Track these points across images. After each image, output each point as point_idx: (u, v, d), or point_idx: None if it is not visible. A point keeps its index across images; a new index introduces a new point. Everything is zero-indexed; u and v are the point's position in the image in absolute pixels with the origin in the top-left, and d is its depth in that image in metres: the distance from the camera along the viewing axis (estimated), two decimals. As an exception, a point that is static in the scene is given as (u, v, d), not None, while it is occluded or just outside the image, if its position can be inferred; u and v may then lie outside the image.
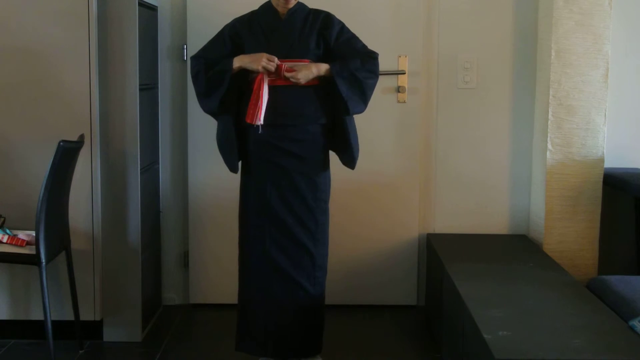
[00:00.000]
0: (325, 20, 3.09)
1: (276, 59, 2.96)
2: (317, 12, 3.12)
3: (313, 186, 3.08)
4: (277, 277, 3.07)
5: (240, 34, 3.09)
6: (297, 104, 3.03)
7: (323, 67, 3.01)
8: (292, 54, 3.02)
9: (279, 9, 3.07)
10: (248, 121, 2.96)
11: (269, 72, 2.97)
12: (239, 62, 3.00)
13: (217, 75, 3.01)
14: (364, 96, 3.07)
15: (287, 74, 2.96)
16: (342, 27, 3.12)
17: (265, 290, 3.08)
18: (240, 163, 3.17)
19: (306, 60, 3.02)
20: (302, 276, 3.08)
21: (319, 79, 3.03)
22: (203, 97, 3.08)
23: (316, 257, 3.10)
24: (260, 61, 2.95)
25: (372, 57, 3.09)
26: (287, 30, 3.05)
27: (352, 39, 3.11)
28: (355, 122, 3.18)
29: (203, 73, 3.04)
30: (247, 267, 3.13)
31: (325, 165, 3.13)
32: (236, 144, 3.10)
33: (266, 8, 3.12)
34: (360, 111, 3.11)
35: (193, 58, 3.13)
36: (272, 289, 3.08)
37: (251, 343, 3.14)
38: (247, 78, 3.07)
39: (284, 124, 3.04)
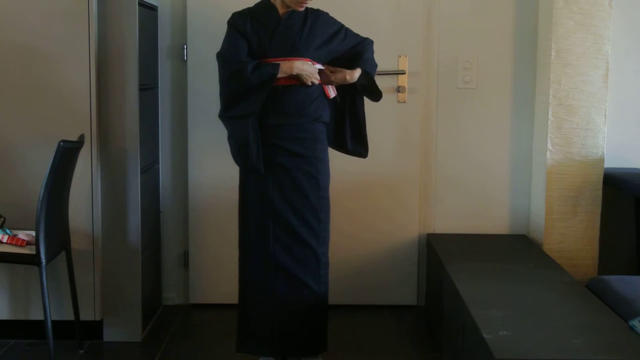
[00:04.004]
0: (329, 23, 3.14)
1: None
2: (314, 12, 3.13)
3: (315, 184, 3.08)
4: (281, 277, 3.08)
5: (247, 31, 3.07)
6: (298, 103, 3.04)
7: (357, 74, 3.11)
8: (293, 53, 3.02)
9: (294, 6, 3.04)
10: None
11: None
12: (288, 70, 2.98)
13: (263, 78, 2.96)
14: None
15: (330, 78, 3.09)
16: (341, 25, 3.18)
17: (270, 289, 3.09)
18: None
19: (307, 59, 3.03)
20: (307, 275, 3.09)
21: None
22: (240, 99, 3.00)
23: (320, 255, 3.11)
24: (312, 78, 3.03)
25: (371, 43, 3.25)
26: (287, 30, 3.06)
27: (349, 30, 3.20)
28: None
29: (246, 74, 2.95)
30: (249, 268, 3.13)
31: (326, 163, 3.14)
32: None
33: (264, 6, 3.12)
34: None
35: (225, 58, 3.04)
36: (276, 288, 3.08)
37: (254, 343, 3.14)
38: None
39: (285, 123, 3.04)
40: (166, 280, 4.03)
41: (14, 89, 3.35)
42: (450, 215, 3.98)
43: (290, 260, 3.07)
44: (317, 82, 3.05)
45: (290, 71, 2.99)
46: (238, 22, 3.09)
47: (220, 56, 3.08)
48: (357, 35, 3.21)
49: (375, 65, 3.22)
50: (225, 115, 3.05)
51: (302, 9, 3.07)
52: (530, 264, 3.37)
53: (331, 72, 3.09)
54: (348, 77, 3.09)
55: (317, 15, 3.12)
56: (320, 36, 3.09)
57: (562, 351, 2.33)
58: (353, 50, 3.16)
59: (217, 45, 3.14)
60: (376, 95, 3.23)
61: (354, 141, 3.25)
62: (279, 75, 2.97)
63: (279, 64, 2.99)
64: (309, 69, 3.02)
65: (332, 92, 3.15)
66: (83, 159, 3.32)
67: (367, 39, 3.23)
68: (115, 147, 3.41)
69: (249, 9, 3.14)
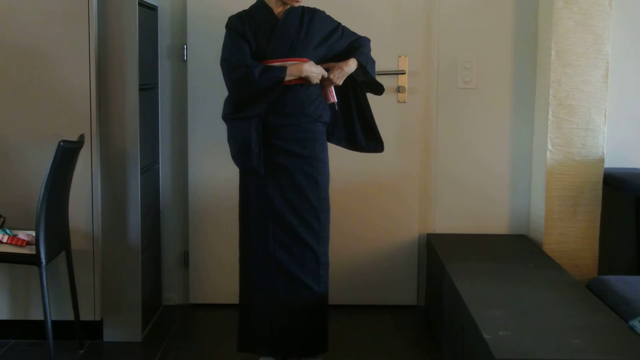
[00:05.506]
0: (326, 22, 3.13)
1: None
2: (310, 11, 3.13)
3: (315, 185, 3.08)
4: (281, 277, 3.08)
5: (246, 33, 3.06)
6: (299, 103, 3.04)
7: (353, 64, 3.10)
8: (291, 53, 3.02)
9: (289, 1, 3.04)
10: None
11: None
12: (296, 73, 2.98)
13: (271, 82, 2.95)
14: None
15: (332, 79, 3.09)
16: (338, 24, 3.17)
17: (270, 290, 3.09)
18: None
19: (305, 59, 3.03)
20: (307, 275, 3.09)
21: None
22: (248, 103, 2.99)
23: (320, 255, 3.11)
24: (319, 78, 3.04)
25: (368, 41, 3.24)
26: (285, 30, 3.05)
27: (346, 29, 3.19)
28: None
29: (254, 78, 2.93)
30: (250, 268, 3.13)
31: (325, 163, 3.14)
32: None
33: (259, 7, 3.11)
34: None
35: (231, 63, 3.01)
36: (277, 288, 3.08)
37: (254, 342, 3.15)
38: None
39: (286, 124, 3.04)
40: (166, 280, 4.03)
41: (14, 88, 3.35)
42: (450, 215, 3.98)
43: (290, 260, 3.07)
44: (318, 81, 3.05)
45: (300, 74, 2.99)
46: (237, 25, 3.07)
47: (226, 62, 3.03)
48: (354, 33, 3.20)
49: (373, 61, 3.21)
50: (230, 116, 3.05)
51: (299, 3, 3.07)
52: (530, 264, 3.37)
53: (329, 68, 3.07)
54: (345, 68, 3.08)
55: (314, 14, 3.12)
56: (318, 35, 3.09)
57: (562, 351, 2.33)
58: (350, 47, 3.16)
59: (217, 45, 3.14)
60: (378, 89, 3.24)
61: (366, 137, 3.24)
62: (287, 78, 2.97)
63: (285, 67, 2.98)
64: (316, 70, 3.02)
65: (332, 97, 3.14)
66: (83, 159, 3.32)
67: (364, 37, 3.23)
68: (115, 147, 3.41)
69: (245, 11, 3.14)
